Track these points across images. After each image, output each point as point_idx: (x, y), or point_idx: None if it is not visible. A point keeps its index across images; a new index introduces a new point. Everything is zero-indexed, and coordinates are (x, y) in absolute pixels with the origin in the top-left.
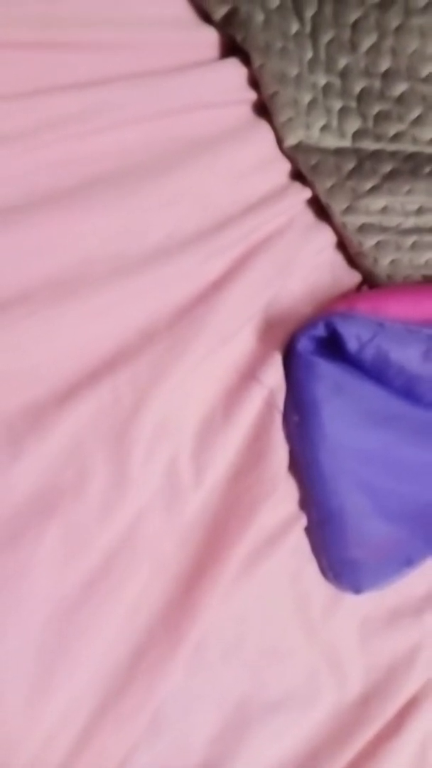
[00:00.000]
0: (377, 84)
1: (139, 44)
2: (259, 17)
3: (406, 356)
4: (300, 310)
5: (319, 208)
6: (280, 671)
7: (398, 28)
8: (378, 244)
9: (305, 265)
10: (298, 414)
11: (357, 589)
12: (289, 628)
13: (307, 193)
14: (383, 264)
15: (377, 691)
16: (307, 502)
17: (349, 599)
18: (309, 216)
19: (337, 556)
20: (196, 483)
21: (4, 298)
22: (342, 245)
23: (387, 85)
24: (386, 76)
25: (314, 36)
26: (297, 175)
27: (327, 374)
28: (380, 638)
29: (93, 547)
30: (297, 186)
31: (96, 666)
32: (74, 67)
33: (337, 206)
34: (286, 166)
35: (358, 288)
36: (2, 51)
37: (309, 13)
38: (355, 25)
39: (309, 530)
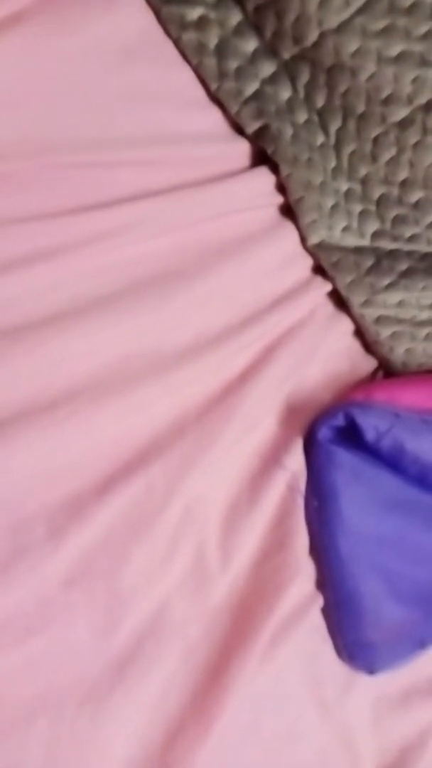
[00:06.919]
0: (395, 191)
1: (178, 159)
2: (288, 132)
3: (421, 446)
4: (320, 396)
5: (339, 300)
6: (295, 753)
7: (416, 144)
8: (394, 334)
9: (325, 353)
10: (318, 499)
11: (371, 670)
12: (304, 709)
13: (327, 287)
14: (399, 352)
15: None
16: (323, 584)
17: (363, 679)
18: (329, 307)
19: (351, 637)
20: (222, 568)
21: (52, 399)
22: (359, 333)
23: (404, 192)
24: (404, 184)
25: (338, 148)
26: (318, 270)
27: (345, 462)
28: (393, 719)
29: (122, 633)
30: (319, 280)
31: (129, 753)
32: (119, 184)
33: (356, 300)
34: (308, 262)
35: (374, 373)
36: (56, 171)
37: (333, 127)
38: (376, 140)
39: (325, 611)
